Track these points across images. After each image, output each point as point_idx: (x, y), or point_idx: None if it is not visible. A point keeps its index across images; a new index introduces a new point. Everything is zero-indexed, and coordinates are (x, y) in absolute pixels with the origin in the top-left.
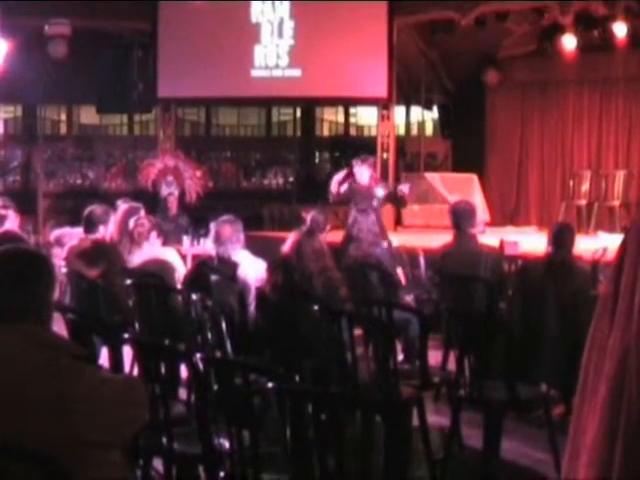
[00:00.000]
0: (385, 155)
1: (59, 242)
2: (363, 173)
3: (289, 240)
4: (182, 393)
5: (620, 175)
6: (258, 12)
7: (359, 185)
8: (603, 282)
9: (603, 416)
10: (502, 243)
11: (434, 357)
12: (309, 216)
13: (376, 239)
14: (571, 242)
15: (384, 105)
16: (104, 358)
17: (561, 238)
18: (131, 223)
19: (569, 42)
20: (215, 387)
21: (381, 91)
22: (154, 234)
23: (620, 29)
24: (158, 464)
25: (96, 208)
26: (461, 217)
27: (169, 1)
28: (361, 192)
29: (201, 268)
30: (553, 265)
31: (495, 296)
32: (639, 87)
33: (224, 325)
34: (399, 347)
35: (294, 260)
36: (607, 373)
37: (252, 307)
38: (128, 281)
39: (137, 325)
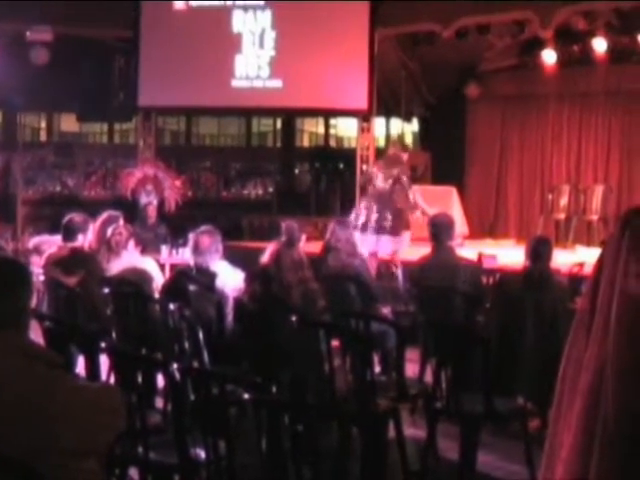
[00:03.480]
0: (364, 167)
1: (38, 250)
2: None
3: (268, 250)
4: (159, 402)
5: (599, 190)
6: (240, 22)
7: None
8: (580, 296)
9: (578, 430)
10: (480, 256)
11: (412, 369)
12: (283, 226)
13: (354, 250)
14: (548, 256)
15: (364, 117)
16: (81, 366)
17: (538, 252)
18: (109, 232)
19: (549, 56)
20: (192, 397)
21: (361, 103)
22: (132, 243)
23: (600, 44)
24: (134, 473)
25: (75, 216)
26: (440, 229)
27: (151, 10)
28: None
29: (179, 278)
30: (530, 279)
31: (473, 309)
32: (618, 102)
33: (201, 335)
34: (376, 359)
35: (273, 270)
36: (583, 387)
37: (230, 317)
38: (106, 290)
39: (114, 334)
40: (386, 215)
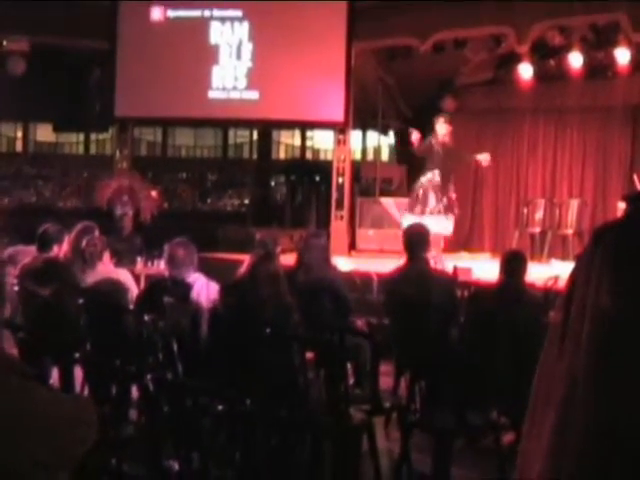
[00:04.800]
0: (340, 179)
1: (12, 260)
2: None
3: (245, 263)
4: (132, 414)
5: (574, 204)
6: (217, 34)
7: None
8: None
9: (551, 444)
10: (455, 269)
11: (386, 382)
12: (258, 238)
13: (328, 263)
14: (522, 270)
15: (340, 129)
16: (55, 378)
17: (512, 266)
18: (84, 243)
19: (525, 71)
20: (165, 409)
21: (338, 115)
22: (107, 254)
23: (576, 59)
24: None
25: (50, 227)
26: (415, 241)
27: (128, 20)
28: None
29: (154, 289)
30: (504, 293)
31: (447, 322)
32: (594, 117)
33: (176, 347)
34: (350, 372)
35: (248, 283)
36: (555, 401)
37: (204, 329)
38: (80, 301)
39: (88, 345)
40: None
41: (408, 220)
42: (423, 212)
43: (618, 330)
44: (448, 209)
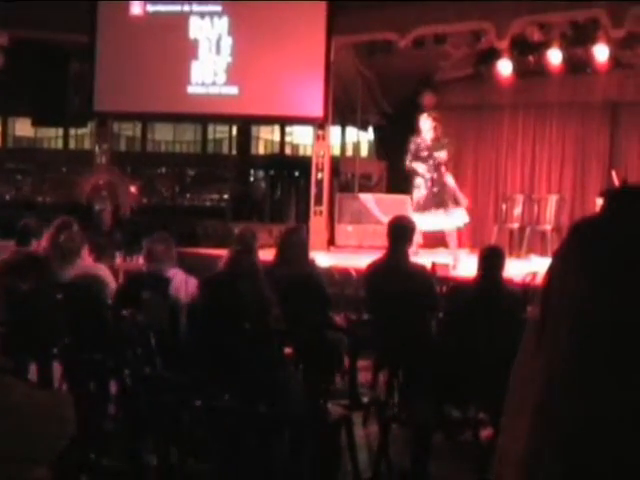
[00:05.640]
0: (320, 175)
1: None
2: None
3: (224, 257)
4: (111, 409)
5: (552, 200)
6: (196, 28)
7: None
8: (532, 305)
9: (527, 440)
10: (434, 265)
11: (365, 377)
12: (238, 232)
13: (308, 257)
14: (501, 265)
15: (320, 125)
16: (33, 372)
17: (490, 262)
18: (62, 238)
19: (505, 67)
20: (144, 403)
21: (317, 111)
22: (85, 249)
23: (555, 55)
24: None
25: (29, 221)
26: (399, 234)
27: (108, 15)
28: None
29: (132, 284)
30: (483, 289)
31: (426, 317)
32: (573, 113)
33: (154, 341)
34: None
35: (227, 278)
36: (532, 399)
37: (183, 324)
38: (59, 296)
39: (67, 340)
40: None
41: (419, 219)
42: (428, 208)
43: (596, 325)
44: (456, 200)
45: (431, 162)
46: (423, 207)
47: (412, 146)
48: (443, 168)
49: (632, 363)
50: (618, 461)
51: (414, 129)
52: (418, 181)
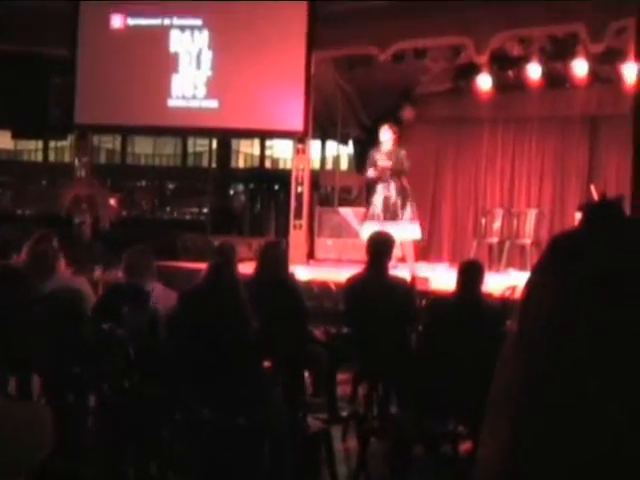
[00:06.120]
0: (300, 189)
1: None
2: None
3: (203, 270)
4: (91, 421)
5: (532, 214)
6: (177, 42)
7: None
8: (511, 319)
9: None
10: (413, 279)
11: (345, 390)
12: (218, 245)
13: (287, 271)
14: (480, 279)
15: (300, 139)
16: (12, 386)
17: (469, 275)
18: (40, 250)
19: (484, 81)
20: (123, 416)
21: (297, 124)
22: (64, 262)
23: (534, 70)
24: None
25: (8, 234)
26: (379, 250)
27: (88, 28)
28: None
29: (111, 297)
30: (462, 302)
31: (405, 330)
32: (552, 128)
33: (134, 354)
34: (308, 380)
35: (206, 291)
36: (510, 412)
37: (163, 338)
38: (38, 308)
39: (46, 353)
40: None
41: (369, 229)
42: (385, 219)
43: (573, 339)
44: (412, 214)
45: (391, 174)
46: (375, 217)
47: (371, 156)
48: (404, 180)
49: (609, 376)
50: (591, 470)
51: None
52: (375, 192)
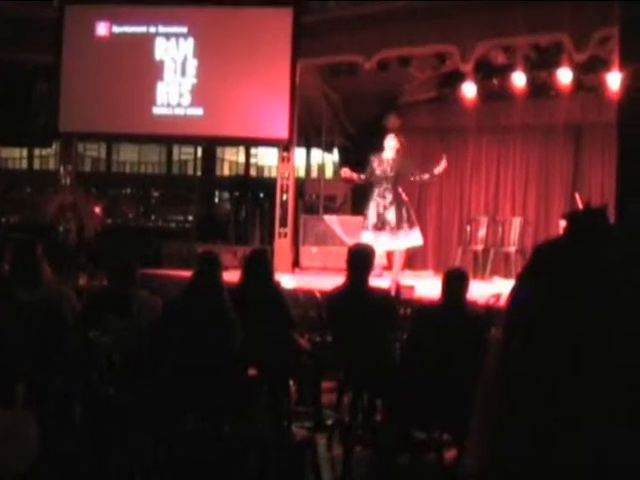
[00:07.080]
0: (284, 196)
1: None
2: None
3: (188, 278)
4: (75, 429)
5: (516, 222)
6: (162, 50)
7: None
8: (495, 327)
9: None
10: (398, 287)
11: (330, 399)
12: (201, 253)
13: (272, 279)
14: (464, 287)
15: (285, 146)
16: None
17: (454, 283)
18: (25, 258)
19: (469, 90)
20: (107, 425)
21: (282, 132)
22: (49, 270)
23: (519, 78)
24: None
25: None
26: (359, 264)
27: (73, 35)
28: None
29: (96, 305)
30: (446, 310)
31: (389, 340)
32: (536, 136)
33: (117, 363)
34: (293, 388)
35: (191, 299)
36: (494, 417)
37: (147, 345)
38: (22, 317)
39: (30, 363)
40: None
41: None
42: (383, 229)
43: (557, 343)
44: (410, 221)
45: (388, 182)
46: (373, 227)
47: (372, 162)
48: (399, 189)
49: (590, 379)
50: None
51: (378, 151)
52: (373, 201)
